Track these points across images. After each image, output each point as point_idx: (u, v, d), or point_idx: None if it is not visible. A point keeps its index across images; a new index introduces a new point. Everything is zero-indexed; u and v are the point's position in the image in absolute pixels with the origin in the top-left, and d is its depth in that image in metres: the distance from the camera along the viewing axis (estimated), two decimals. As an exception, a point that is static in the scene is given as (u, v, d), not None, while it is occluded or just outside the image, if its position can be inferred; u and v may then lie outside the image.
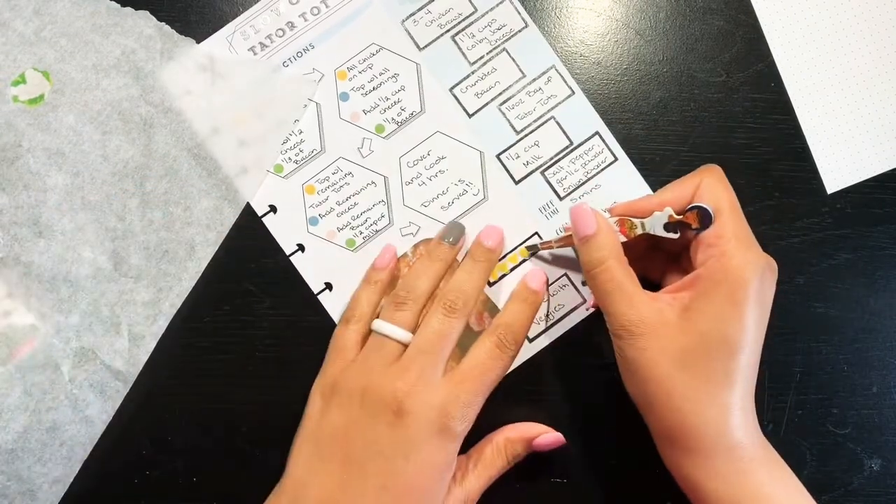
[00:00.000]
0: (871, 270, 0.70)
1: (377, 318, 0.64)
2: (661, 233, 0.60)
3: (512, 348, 0.63)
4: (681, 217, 0.59)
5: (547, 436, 0.65)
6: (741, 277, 0.55)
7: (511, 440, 0.65)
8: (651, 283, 0.64)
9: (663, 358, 0.55)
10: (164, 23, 0.68)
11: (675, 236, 0.59)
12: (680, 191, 0.60)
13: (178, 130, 0.67)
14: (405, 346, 0.62)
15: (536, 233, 0.69)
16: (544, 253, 0.69)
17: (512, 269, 0.69)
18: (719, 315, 0.55)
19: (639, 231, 0.61)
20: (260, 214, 0.68)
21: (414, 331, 0.63)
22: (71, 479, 0.66)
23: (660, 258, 0.65)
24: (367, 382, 0.60)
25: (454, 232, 0.67)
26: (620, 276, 0.58)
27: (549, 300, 0.69)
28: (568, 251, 0.68)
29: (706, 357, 0.55)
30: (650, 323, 0.56)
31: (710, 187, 0.58)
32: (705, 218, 0.57)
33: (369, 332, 0.65)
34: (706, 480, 0.55)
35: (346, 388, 0.61)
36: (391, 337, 0.62)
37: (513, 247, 0.69)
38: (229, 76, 0.68)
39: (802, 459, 0.68)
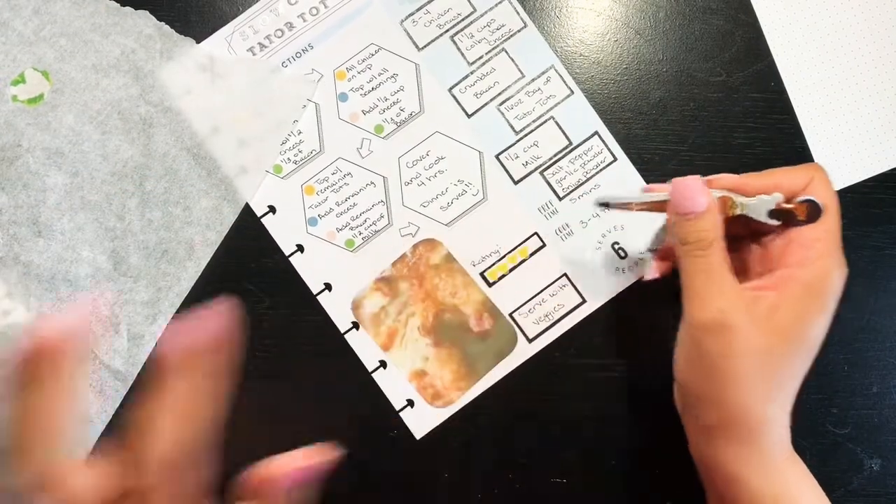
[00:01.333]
0: (871, 270, 0.70)
1: None
2: (764, 218, 0.57)
3: None
4: (791, 206, 0.56)
5: (311, 461, 0.50)
6: (834, 288, 0.54)
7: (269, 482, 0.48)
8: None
9: (747, 355, 0.54)
10: (163, 23, 0.68)
11: (778, 224, 0.57)
12: (790, 179, 0.57)
13: (177, 130, 0.67)
14: None
15: (536, 233, 0.70)
16: (547, 250, 0.69)
17: (512, 269, 0.69)
18: (807, 321, 0.54)
19: (738, 211, 0.57)
20: (259, 215, 0.68)
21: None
22: None
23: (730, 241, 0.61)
24: None
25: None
26: (720, 263, 0.55)
27: (547, 300, 0.69)
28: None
29: (788, 359, 0.54)
30: (741, 319, 0.54)
31: (824, 185, 0.57)
32: (814, 213, 0.56)
33: None
34: (744, 471, 0.55)
35: None
36: None
37: (513, 247, 0.69)
38: (229, 76, 0.68)
39: (802, 459, 0.67)
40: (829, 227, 0.55)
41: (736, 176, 0.59)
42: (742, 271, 0.59)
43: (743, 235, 0.60)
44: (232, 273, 0.68)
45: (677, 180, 0.57)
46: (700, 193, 0.56)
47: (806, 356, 0.54)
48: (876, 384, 0.69)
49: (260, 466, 0.48)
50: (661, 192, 0.60)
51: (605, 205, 0.62)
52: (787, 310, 0.54)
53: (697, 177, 0.57)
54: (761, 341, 0.53)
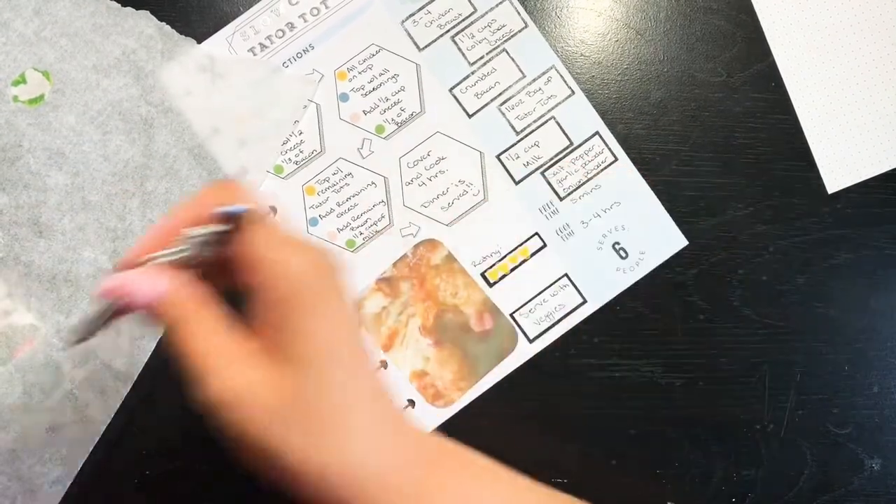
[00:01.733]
0: (871, 270, 0.70)
1: None
2: (199, 253, 0.48)
3: None
4: (207, 230, 0.47)
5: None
6: (296, 284, 0.45)
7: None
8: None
9: (272, 417, 0.45)
10: (164, 23, 0.68)
11: (219, 250, 0.48)
12: (195, 209, 0.48)
13: (178, 131, 0.68)
14: None
15: (537, 233, 0.70)
16: (548, 250, 0.70)
17: (513, 269, 0.70)
18: (296, 337, 0.45)
19: (181, 263, 0.48)
20: None
21: None
22: (71, 479, 0.66)
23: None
24: None
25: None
26: (211, 332, 0.47)
27: (548, 300, 0.70)
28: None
29: (307, 392, 0.45)
30: (249, 382, 0.45)
31: (226, 194, 0.49)
32: (231, 219, 0.47)
33: None
34: None
35: None
36: None
37: (513, 247, 0.70)
38: (229, 76, 0.68)
39: (803, 459, 0.69)
40: (253, 234, 0.47)
41: (147, 236, 0.49)
42: None
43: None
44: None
45: (109, 288, 0.48)
46: (143, 281, 0.47)
47: (331, 373, 0.45)
48: (876, 384, 0.70)
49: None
50: (113, 289, 0.49)
51: (82, 340, 0.52)
52: (277, 340, 0.46)
53: (123, 272, 0.48)
54: (275, 394, 0.45)
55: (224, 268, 0.49)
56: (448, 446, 0.51)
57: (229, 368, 0.45)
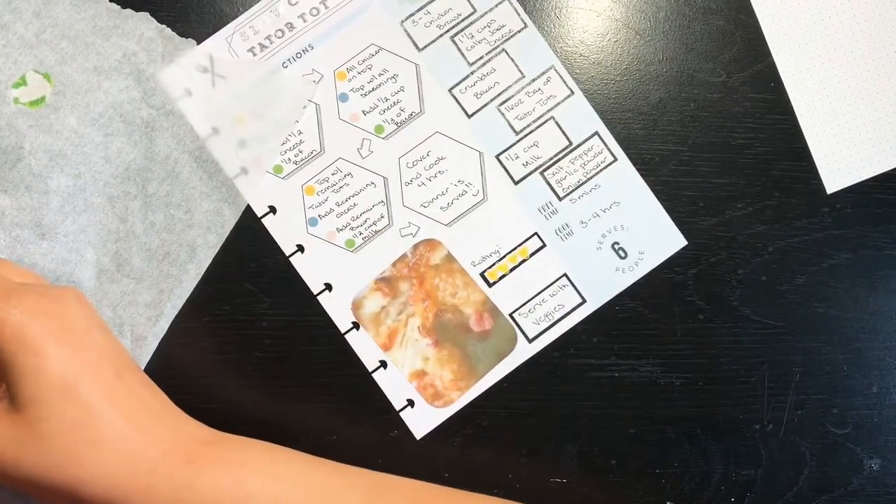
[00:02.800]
0: (871, 270, 0.70)
1: None
2: None
3: None
4: None
5: None
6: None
7: None
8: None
9: (23, 461, 0.50)
10: (164, 25, 0.68)
11: None
12: None
13: (179, 133, 0.68)
14: None
15: (536, 233, 0.70)
16: (547, 250, 0.70)
17: (512, 269, 0.70)
18: (15, 381, 0.50)
19: None
20: (259, 215, 0.69)
21: None
22: None
23: None
24: None
25: None
26: None
27: (547, 300, 0.70)
28: None
29: (32, 426, 0.49)
30: None
31: None
32: None
33: None
34: None
35: None
36: None
37: (512, 247, 0.70)
38: (229, 77, 0.69)
39: (802, 459, 0.69)
40: None
41: None
42: None
43: None
44: (232, 273, 0.69)
45: None
46: None
47: (42, 409, 0.49)
48: (876, 384, 0.70)
49: None
50: None
51: None
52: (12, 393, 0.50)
53: None
54: (12, 440, 0.50)
55: None
56: (218, 436, 0.56)
57: None
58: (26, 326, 0.50)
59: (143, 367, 0.67)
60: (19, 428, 0.49)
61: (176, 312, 0.68)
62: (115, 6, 0.68)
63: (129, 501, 0.50)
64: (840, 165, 0.71)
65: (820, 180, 0.71)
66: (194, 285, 0.68)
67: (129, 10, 0.68)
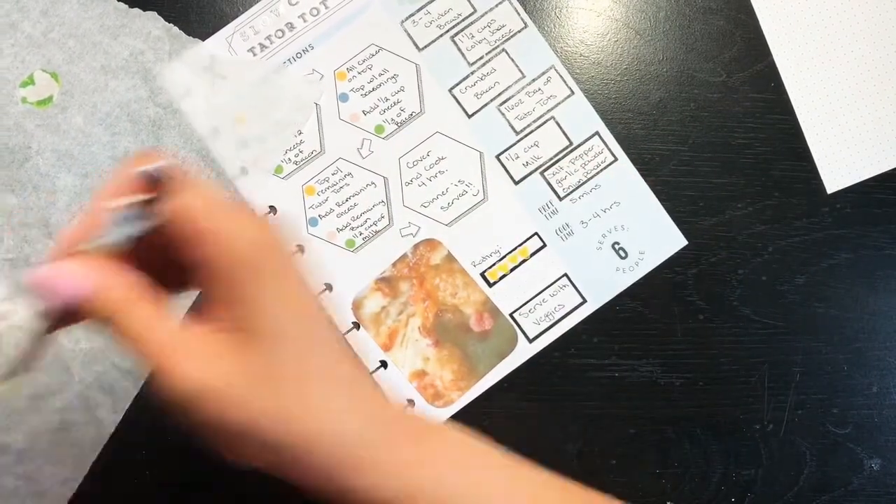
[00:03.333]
0: (871, 270, 0.73)
1: None
2: (130, 231, 0.46)
3: None
4: (128, 200, 0.46)
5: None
6: (237, 256, 0.45)
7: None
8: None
9: (239, 397, 0.44)
10: (171, 24, 0.71)
11: (150, 224, 0.46)
12: (117, 186, 0.46)
13: (186, 132, 0.70)
14: None
15: (536, 233, 0.73)
16: (547, 250, 0.72)
17: (512, 269, 0.72)
18: (252, 309, 0.45)
19: (110, 250, 0.46)
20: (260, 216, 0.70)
21: None
22: (81, 479, 0.69)
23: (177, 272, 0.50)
24: None
25: None
26: (155, 323, 0.45)
27: (548, 300, 0.72)
28: None
29: (274, 362, 0.45)
30: (212, 367, 0.45)
31: (147, 161, 0.46)
32: (156, 182, 0.45)
33: None
34: (374, 487, 0.45)
35: None
36: None
37: (512, 247, 0.73)
38: (230, 77, 0.71)
39: (802, 459, 0.71)
40: (181, 192, 0.45)
41: (71, 227, 0.48)
42: None
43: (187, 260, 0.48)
44: None
45: (37, 280, 0.47)
46: (70, 276, 0.46)
47: (296, 338, 0.46)
48: (876, 384, 0.72)
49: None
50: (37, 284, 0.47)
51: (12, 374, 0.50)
52: (232, 315, 0.45)
53: (51, 265, 0.47)
54: (240, 373, 0.45)
55: (157, 249, 0.48)
56: (434, 425, 0.53)
57: (186, 362, 0.44)
58: (274, 245, 0.47)
59: (148, 372, 0.69)
60: (249, 364, 0.45)
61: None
62: (122, 5, 0.71)
63: (355, 471, 0.45)
64: (840, 165, 0.73)
65: (820, 180, 0.73)
66: None
67: (136, 10, 0.71)
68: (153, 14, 0.71)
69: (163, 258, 0.48)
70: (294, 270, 0.47)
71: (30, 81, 0.70)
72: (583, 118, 0.73)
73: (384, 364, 0.72)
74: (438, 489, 0.47)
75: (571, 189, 0.73)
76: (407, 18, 0.73)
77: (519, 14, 0.73)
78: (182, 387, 0.44)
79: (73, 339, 0.69)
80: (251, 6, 0.72)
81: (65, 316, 0.47)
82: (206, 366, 0.44)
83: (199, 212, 0.45)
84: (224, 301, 0.46)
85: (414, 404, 0.72)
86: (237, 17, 0.72)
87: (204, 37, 0.72)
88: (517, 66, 0.73)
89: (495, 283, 0.73)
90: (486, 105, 0.73)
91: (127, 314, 0.45)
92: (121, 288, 0.46)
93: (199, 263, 0.45)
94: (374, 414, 0.47)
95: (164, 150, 0.70)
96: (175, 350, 0.45)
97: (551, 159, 0.73)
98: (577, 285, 0.73)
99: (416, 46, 0.73)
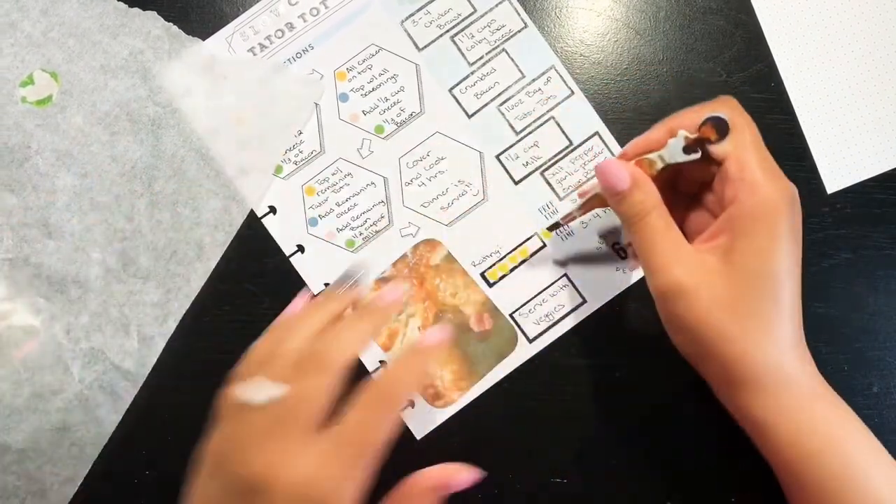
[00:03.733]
0: (871, 270, 0.72)
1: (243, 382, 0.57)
2: (682, 157, 0.59)
3: (395, 407, 0.55)
4: (697, 134, 0.58)
5: (461, 476, 0.56)
6: (777, 208, 0.56)
7: (424, 491, 0.56)
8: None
9: (715, 309, 0.56)
10: (171, 23, 0.71)
11: (697, 156, 0.59)
12: (691, 117, 0.60)
13: (186, 131, 0.70)
14: (273, 409, 0.54)
15: (536, 233, 0.73)
16: (547, 250, 0.72)
17: (512, 269, 0.72)
18: (762, 253, 0.56)
19: (659, 166, 0.60)
20: (260, 215, 0.71)
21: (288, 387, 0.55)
22: (81, 479, 0.69)
23: (680, 202, 0.65)
24: (226, 453, 0.54)
25: (344, 280, 0.66)
26: (664, 228, 0.59)
27: (548, 300, 0.72)
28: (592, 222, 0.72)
29: (756, 298, 0.56)
30: (698, 276, 0.57)
31: (727, 105, 0.60)
32: (721, 127, 0.58)
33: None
34: (773, 419, 0.57)
35: (210, 461, 0.55)
36: (253, 402, 0.54)
37: (513, 247, 0.73)
38: (230, 76, 0.71)
39: None
40: (741, 141, 0.58)
41: (641, 136, 0.63)
42: (707, 226, 0.61)
43: (698, 191, 0.64)
44: (233, 274, 0.71)
45: (597, 167, 0.61)
46: (619, 171, 0.60)
47: (780, 288, 0.56)
48: (876, 384, 0.72)
49: (413, 477, 0.57)
50: (592, 188, 0.65)
51: (556, 226, 0.70)
52: (740, 249, 0.56)
53: (612, 158, 0.61)
54: (725, 291, 0.56)
55: (672, 179, 0.64)
56: (829, 396, 0.59)
57: (679, 262, 0.58)
58: (794, 210, 0.58)
59: (150, 368, 0.70)
60: (730, 288, 0.57)
61: (183, 312, 0.70)
62: (122, 5, 0.71)
63: (763, 393, 0.58)
64: (840, 165, 0.73)
65: (820, 180, 0.73)
66: (202, 284, 0.70)
67: (136, 9, 0.71)
68: (153, 14, 0.71)
69: (664, 189, 0.61)
70: (797, 237, 0.57)
71: (29, 81, 0.70)
72: (583, 118, 0.73)
73: (384, 364, 0.72)
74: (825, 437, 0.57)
75: (572, 189, 0.73)
76: (407, 18, 0.73)
77: (519, 14, 0.73)
78: (664, 280, 0.58)
79: (73, 339, 0.69)
80: (251, 6, 0.72)
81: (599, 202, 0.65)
82: (691, 271, 0.57)
83: (748, 163, 0.57)
84: (729, 233, 0.57)
85: (414, 405, 0.71)
86: (237, 16, 0.72)
87: (204, 36, 0.72)
88: (517, 66, 0.73)
89: (495, 283, 0.73)
90: (486, 105, 0.73)
91: (646, 214, 0.59)
92: (650, 194, 0.59)
93: (729, 201, 0.58)
94: (803, 371, 0.58)
95: (163, 151, 0.70)
96: (669, 251, 0.59)
97: (551, 159, 0.73)
98: (576, 285, 0.73)
99: (416, 46, 0.73)
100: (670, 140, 0.60)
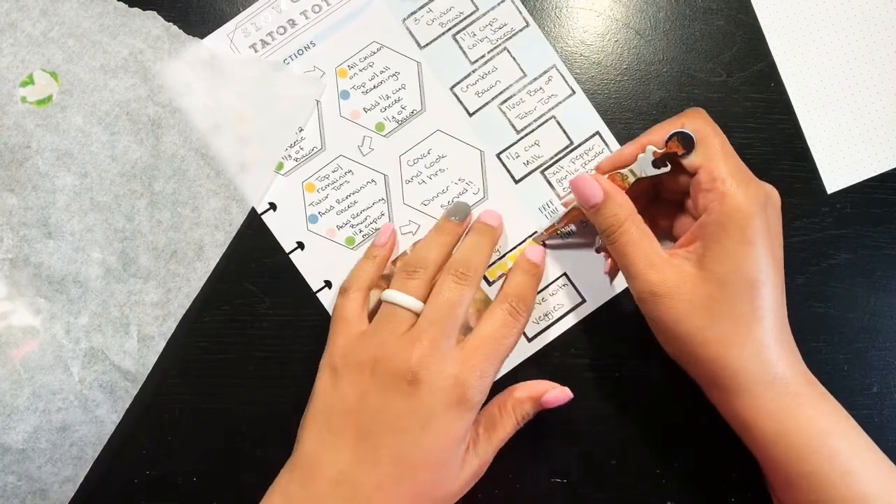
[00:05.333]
0: (870, 270, 0.73)
1: (388, 287, 0.67)
2: (652, 171, 0.63)
3: (524, 315, 0.66)
4: (664, 149, 0.62)
5: (554, 392, 0.67)
6: (745, 214, 0.58)
7: (519, 400, 0.67)
8: (662, 237, 0.68)
9: (691, 312, 0.59)
10: (171, 23, 0.71)
11: (667, 169, 0.62)
12: (660, 132, 0.63)
13: (185, 131, 0.70)
14: (416, 315, 0.64)
15: (535, 231, 0.73)
16: (547, 250, 0.72)
17: (511, 269, 0.71)
18: (733, 257, 0.58)
19: (631, 179, 0.64)
20: (260, 212, 0.71)
21: (425, 301, 0.65)
22: (81, 479, 0.69)
23: (665, 209, 0.68)
24: (379, 353, 0.62)
25: (461, 210, 0.70)
26: (638, 237, 0.61)
27: (547, 299, 0.72)
28: (570, 237, 0.72)
29: (731, 300, 0.58)
30: (672, 281, 0.59)
31: (693, 122, 0.62)
32: (687, 141, 0.61)
33: (369, 303, 0.69)
34: (755, 418, 0.59)
35: (356, 360, 0.63)
36: (402, 306, 0.64)
37: (512, 246, 0.73)
38: (231, 74, 0.71)
39: None
40: (710, 152, 0.61)
41: (613, 153, 0.69)
42: (683, 229, 0.66)
43: (682, 198, 0.66)
44: (232, 273, 0.71)
45: (572, 182, 0.65)
46: (592, 185, 0.63)
47: (755, 289, 0.58)
48: (876, 384, 0.72)
49: (512, 388, 0.69)
50: (573, 200, 0.68)
51: (543, 243, 0.72)
52: (713, 256, 0.59)
53: (584, 173, 0.65)
54: (700, 294, 0.59)
55: (647, 191, 0.68)
56: (816, 385, 0.62)
57: (654, 268, 0.60)
58: (766, 215, 0.60)
59: (150, 368, 0.70)
60: (702, 290, 0.59)
61: (184, 312, 0.70)
62: (122, 5, 0.71)
63: (744, 395, 0.60)
64: (840, 165, 0.73)
65: (820, 180, 0.73)
66: (202, 284, 0.70)
67: (136, 9, 0.71)
68: (153, 13, 0.71)
69: (648, 199, 0.68)
70: (772, 241, 0.60)
71: (29, 81, 0.70)
72: (584, 118, 0.73)
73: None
74: (807, 435, 0.59)
75: (562, 196, 0.73)
76: (409, 16, 0.73)
77: (521, 13, 0.73)
78: (642, 285, 0.61)
79: (73, 339, 0.69)
80: (251, 4, 0.72)
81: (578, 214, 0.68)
82: (665, 277, 0.60)
83: (717, 173, 0.60)
84: (701, 240, 0.60)
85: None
86: (237, 16, 0.72)
87: (204, 36, 0.72)
88: (518, 64, 0.73)
89: (495, 281, 0.73)
90: (487, 104, 0.73)
91: (619, 225, 0.62)
92: (623, 206, 0.62)
93: (702, 209, 0.60)
94: (786, 369, 0.60)
95: (163, 151, 0.70)
96: (647, 258, 0.61)
97: (552, 158, 0.73)
98: (576, 285, 0.73)
99: (418, 44, 0.73)
100: (640, 155, 0.64)
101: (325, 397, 0.64)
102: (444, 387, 0.61)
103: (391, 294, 0.65)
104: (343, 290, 0.69)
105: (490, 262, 0.72)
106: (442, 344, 0.62)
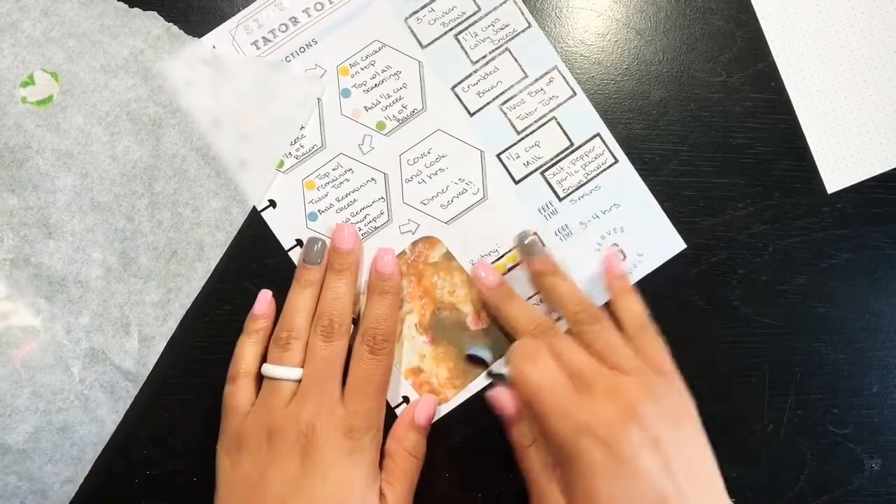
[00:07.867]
0: (871, 270, 0.73)
1: (266, 363, 0.68)
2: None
3: (385, 346, 0.68)
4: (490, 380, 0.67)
5: (419, 408, 0.70)
6: (567, 457, 0.59)
7: (398, 437, 0.69)
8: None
9: None
10: (171, 23, 0.71)
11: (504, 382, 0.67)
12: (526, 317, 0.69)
13: (186, 131, 0.70)
14: (298, 382, 0.66)
15: (535, 233, 0.73)
16: (547, 250, 0.72)
17: (511, 269, 0.72)
18: (582, 494, 0.57)
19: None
20: (259, 209, 0.71)
21: (302, 364, 0.67)
22: (82, 479, 0.69)
23: None
24: (272, 424, 0.64)
25: (314, 254, 0.71)
26: (539, 469, 0.64)
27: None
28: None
29: None
30: None
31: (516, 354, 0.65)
32: (498, 379, 0.65)
33: (259, 382, 0.69)
34: None
35: (251, 437, 0.64)
36: (282, 378, 0.66)
37: (511, 246, 0.73)
38: (231, 72, 0.71)
39: (802, 459, 0.72)
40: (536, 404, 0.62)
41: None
42: None
43: None
44: (232, 273, 0.71)
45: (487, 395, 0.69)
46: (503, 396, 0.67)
47: None
48: (876, 384, 0.72)
49: (395, 424, 0.70)
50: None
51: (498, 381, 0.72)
52: (569, 490, 0.59)
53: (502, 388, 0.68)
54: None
55: None
56: None
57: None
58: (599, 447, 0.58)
59: (150, 368, 0.70)
60: None
61: (184, 312, 0.70)
62: (122, 5, 0.71)
63: None
64: (841, 165, 0.73)
65: (820, 180, 0.73)
66: (202, 284, 0.70)
67: (136, 9, 0.71)
68: (153, 14, 0.71)
69: None
70: (624, 458, 0.57)
71: (30, 81, 0.70)
72: (584, 119, 0.73)
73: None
74: None
75: (571, 190, 0.73)
76: (411, 15, 0.73)
77: (523, 14, 0.73)
78: None
79: (74, 339, 0.69)
80: (250, 4, 0.73)
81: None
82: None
83: (532, 396, 0.62)
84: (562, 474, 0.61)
85: (409, 401, 0.72)
86: (239, 12, 0.73)
87: (204, 34, 0.72)
88: (520, 65, 0.73)
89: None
90: (487, 104, 0.73)
91: (524, 448, 0.66)
92: (524, 435, 0.66)
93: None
94: None
95: (163, 151, 0.70)
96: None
97: (552, 160, 0.73)
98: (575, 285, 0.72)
99: (420, 43, 0.73)
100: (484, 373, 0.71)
101: (228, 480, 0.65)
102: (336, 438, 0.63)
103: (270, 370, 0.67)
104: (231, 379, 0.69)
105: (491, 261, 0.72)
106: (325, 400, 0.65)
